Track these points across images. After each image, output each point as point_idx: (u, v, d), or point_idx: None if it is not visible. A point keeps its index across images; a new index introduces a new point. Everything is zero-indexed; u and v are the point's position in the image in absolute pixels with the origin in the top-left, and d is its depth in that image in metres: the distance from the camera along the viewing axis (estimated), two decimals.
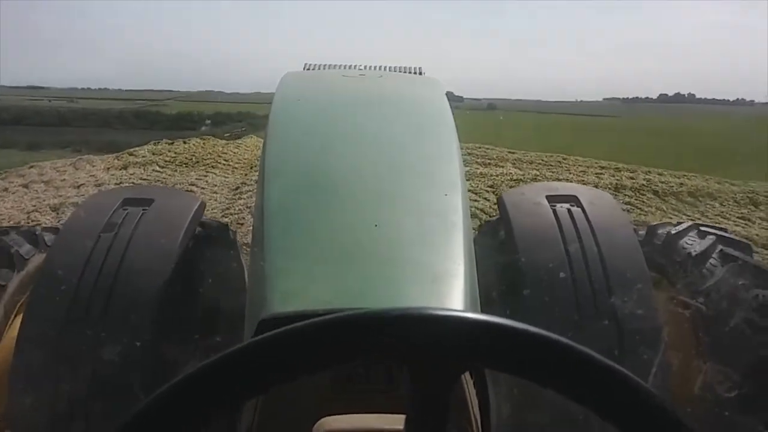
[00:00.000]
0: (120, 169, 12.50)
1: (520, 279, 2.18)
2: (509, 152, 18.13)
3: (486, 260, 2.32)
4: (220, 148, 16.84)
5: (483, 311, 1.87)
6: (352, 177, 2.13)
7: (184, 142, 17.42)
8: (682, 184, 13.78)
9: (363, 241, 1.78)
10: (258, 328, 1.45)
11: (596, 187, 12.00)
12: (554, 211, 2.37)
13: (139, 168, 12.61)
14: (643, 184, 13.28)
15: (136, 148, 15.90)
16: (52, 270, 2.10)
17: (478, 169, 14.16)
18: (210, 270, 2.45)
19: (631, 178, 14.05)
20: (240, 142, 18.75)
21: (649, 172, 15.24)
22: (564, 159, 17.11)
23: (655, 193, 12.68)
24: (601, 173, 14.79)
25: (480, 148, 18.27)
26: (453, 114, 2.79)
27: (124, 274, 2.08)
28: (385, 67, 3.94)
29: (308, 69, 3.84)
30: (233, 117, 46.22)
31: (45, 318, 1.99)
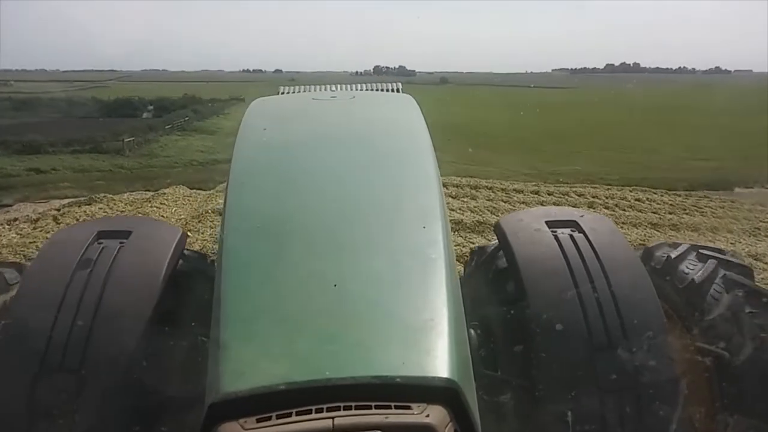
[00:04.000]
0: None
1: (527, 310, 2.08)
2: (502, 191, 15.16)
3: (484, 289, 2.21)
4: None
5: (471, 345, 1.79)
6: (316, 224, 2.02)
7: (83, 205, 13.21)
8: None
9: (322, 302, 1.65)
10: (207, 413, 1.38)
11: None
12: (556, 237, 2.29)
13: None
14: None
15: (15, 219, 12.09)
16: (22, 314, 1.89)
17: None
18: (196, 308, 2.16)
19: None
20: (161, 203, 13.62)
21: None
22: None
23: None
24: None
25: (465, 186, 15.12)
26: (429, 132, 2.68)
27: (103, 316, 1.88)
28: (360, 86, 3.96)
29: (282, 93, 3.86)
30: (177, 103, 44.30)
31: (16, 369, 1.79)
